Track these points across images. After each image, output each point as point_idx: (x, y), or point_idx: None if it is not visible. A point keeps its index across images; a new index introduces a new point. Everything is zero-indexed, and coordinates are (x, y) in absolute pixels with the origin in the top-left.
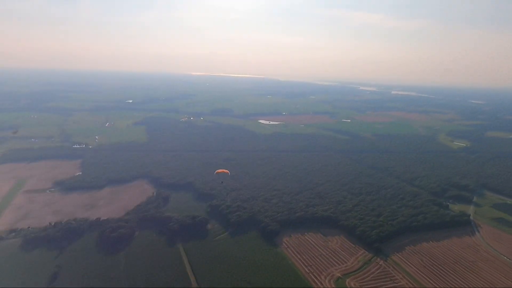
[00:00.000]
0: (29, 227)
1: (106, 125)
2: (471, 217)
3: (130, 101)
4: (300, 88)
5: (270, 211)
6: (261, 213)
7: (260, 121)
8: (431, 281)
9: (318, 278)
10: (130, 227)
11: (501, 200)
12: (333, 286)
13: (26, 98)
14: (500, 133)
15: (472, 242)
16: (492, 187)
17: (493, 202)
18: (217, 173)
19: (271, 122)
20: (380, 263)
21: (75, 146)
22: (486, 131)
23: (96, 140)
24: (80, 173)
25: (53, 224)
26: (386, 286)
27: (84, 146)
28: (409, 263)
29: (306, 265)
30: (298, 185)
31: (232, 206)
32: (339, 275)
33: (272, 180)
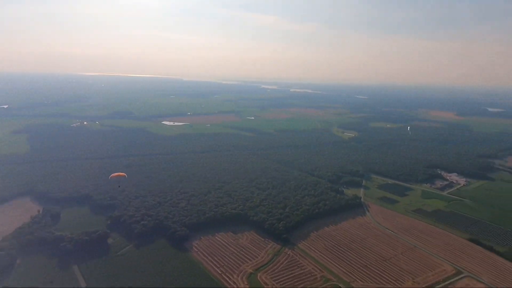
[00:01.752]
0: None
1: None
2: (362, 199)
3: (6, 106)
4: (204, 88)
5: (178, 216)
6: (168, 219)
7: (164, 122)
8: (332, 262)
9: (231, 277)
10: (8, 254)
11: (384, 181)
12: (245, 283)
13: None
14: (381, 123)
15: (364, 221)
16: (377, 170)
17: (378, 184)
18: (112, 177)
19: (176, 123)
20: (288, 253)
21: None
22: (370, 122)
23: None
24: None
25: None
26: (295, 274)
27: None
28: (314, 249)
29: (218, 266)
30: (206, 185)
31: (136, 215)
32: (251, 270)
33: (179, 183)
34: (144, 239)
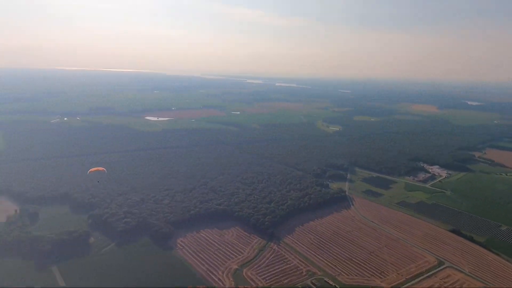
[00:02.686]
0: None
1: None
2: (347, 193)
3: None
4: (188, 83)
5: (162, 213)
6: (152, 216)
7: (147, 118)
8: (318, 256)
9: (216, 274)
10: None
11: (368, 174)
12: (231, 279)
13: None
14: (364, 117)
15: (349, 214)
16: (360, 164)
17: (362, 177)
18: (91, 172)
19: (160, 118)
20: (273, 248)
21: None
22: (353, 116)
23: None
24: None
25: None
26: (280, 269)
27: None
28: (299, 243)
29: (203, 263)
30: (191, 181)
31: (118, 213)
32: (236, 266)
33: (163, 179)
34: (126, 238)
